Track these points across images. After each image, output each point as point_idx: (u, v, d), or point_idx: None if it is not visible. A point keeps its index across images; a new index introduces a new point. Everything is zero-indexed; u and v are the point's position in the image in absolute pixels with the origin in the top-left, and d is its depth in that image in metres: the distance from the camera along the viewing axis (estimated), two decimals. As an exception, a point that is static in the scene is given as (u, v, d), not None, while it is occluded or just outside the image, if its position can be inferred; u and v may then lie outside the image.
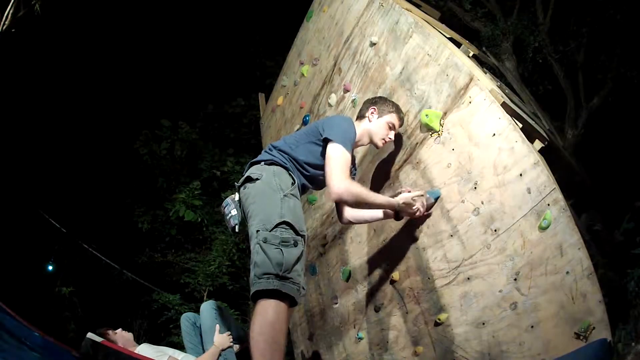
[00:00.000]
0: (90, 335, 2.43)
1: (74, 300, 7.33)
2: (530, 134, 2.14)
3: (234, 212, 2.16)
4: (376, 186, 2.82)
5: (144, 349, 2.89)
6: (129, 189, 8.00)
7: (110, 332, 2.91)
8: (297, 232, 1.95)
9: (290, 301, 1.83)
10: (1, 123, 6.85)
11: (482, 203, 2.04)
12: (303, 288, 1.89)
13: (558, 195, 1.75)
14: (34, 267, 7.83)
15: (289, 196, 2.05)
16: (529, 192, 1.84)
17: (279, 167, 2.18)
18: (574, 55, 3.88)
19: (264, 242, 1.89)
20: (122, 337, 2.94)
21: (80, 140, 8.46)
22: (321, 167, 2.26)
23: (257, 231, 1.94)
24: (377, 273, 2.72)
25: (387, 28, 2.90)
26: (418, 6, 3.30)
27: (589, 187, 3.02)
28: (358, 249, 2.94)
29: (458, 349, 2.09)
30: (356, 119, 2.53)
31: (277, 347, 1.74)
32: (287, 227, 1.93)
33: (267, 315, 1.78)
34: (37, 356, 2.00)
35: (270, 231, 1.91)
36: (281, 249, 1.87)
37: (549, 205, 1.76)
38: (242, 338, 2.79)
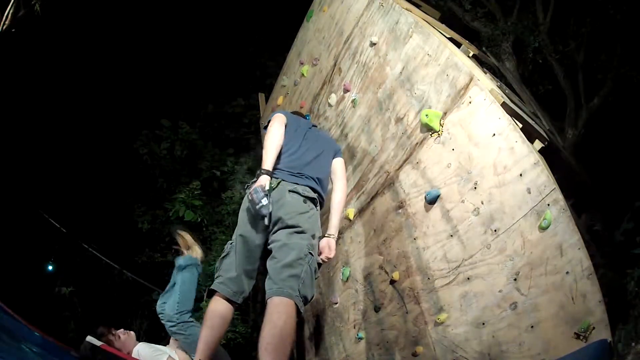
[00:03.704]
0: (89, 338, 2.44)
1: (74, 300, 7.32)
2: (530, 134, 2.14)
3: (264, 201, 2.16)
4: (376, 186, 2.82)
5: (142, 348, 2.90)
6: (129, 189, 7.99)
7: (113, 336, 2.92)
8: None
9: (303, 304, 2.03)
10: (1, 123, 6.84)
11: (482, 203, 2.04)
12: None
13: (558, 195, 1.75)
14: (34, 267, 7.83)
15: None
16: (529, 192, 1.84)
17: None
18: (574, 55, 3.88)
19: (310, 253, 2.16)
20: (124, 337, 2.96)
21: (80, 140, 8.45)
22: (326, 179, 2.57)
23: (302, 232, 2.17)
24: (377, 273, 2.72)
25: (387, 28, 2.90)
26: (418, 6, 3.30)
27: (589, 187, 3.02)
28: (358, 249, 2.94)
29: (458, 349, 2.09)
30: None
31: (287, 346, 1.86)
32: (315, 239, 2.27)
33: (286, 316, 1.92)
34: (37, 356, 2.00)
35: (313, 240, 2.22)
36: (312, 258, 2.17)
37: (549, 205, 1.76)
38: None
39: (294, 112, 3.04)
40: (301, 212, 2.20)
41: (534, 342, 1.74)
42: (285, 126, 2.57)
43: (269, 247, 2.19)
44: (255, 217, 2.21)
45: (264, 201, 2.13)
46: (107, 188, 8.38)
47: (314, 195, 2.33)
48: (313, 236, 2.21)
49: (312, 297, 2.13)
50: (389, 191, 2.69)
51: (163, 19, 8.24)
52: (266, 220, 2.14)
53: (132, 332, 3.09)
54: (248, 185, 2.37)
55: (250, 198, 2.18)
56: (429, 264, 2.32)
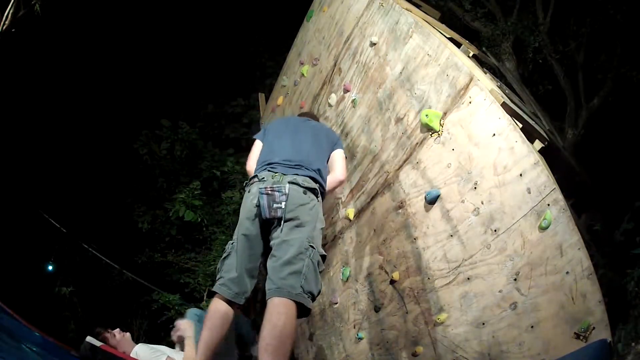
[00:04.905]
0: (89, 338, 2.44)
1: (74, 300, 7.33)
2: (530, 134, 2.15)
3: (283, 204, 2.13)
4: (376, 186, 2.82)
5: (141, 349, 2.90)
6: (129, 189, 8.00)
7: (108, 333, 2.92)
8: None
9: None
10: (1, 123, 6.85)
11: (482, 203, 2.04)
12: None
13: (558, 195, 1.75)
14: (34, 267, 7.84)
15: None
16: (529, 192, 1.84)
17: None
18: (574, 55, 3.88)
19: (311, 245, 2.10)
20: (119, 337, 2.95)
21: (80, 140, 8.46)
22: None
23: (301, 225, 2.13)
24: (377, 273, 2.72)
25: (387, 28, 2.90)
26: (418, 6, 3.30)
27: (589, 187, 3.02)
28: (358, 249, 2.94)
29: (458, 349, 2.09)
30: None
31: (288, 347, 1.86)
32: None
33: (286, 316, 1.89)
34: (37, 356, 2.00)
35: (314, 232, 2.16)
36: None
37: (549, 205, 1.76)
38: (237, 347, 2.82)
39: (301, 115, 3.02)
40: (302, 204, 2.16)
41: (534, 342, 1.74)
42: (266, 131, 2.62)
43: (270, 243, 2.18)
44: (258, 214, 2.19)
45: (283, 204, 2.12)
46: (107, 188, 8.39)
47: (315, 186, 2.27)
48: (314, 228, 2.17)
49: (319, 291, 2.08)
50: (389, 191, 2.69)
51: (163, 19, 8.25)
52: (282, 223, 2.12)
53: (127, 333, 3.08)
54: (247, 183, 2.36)
55: (268, 193, 2.14)
56: (429, 264, 2.32)
